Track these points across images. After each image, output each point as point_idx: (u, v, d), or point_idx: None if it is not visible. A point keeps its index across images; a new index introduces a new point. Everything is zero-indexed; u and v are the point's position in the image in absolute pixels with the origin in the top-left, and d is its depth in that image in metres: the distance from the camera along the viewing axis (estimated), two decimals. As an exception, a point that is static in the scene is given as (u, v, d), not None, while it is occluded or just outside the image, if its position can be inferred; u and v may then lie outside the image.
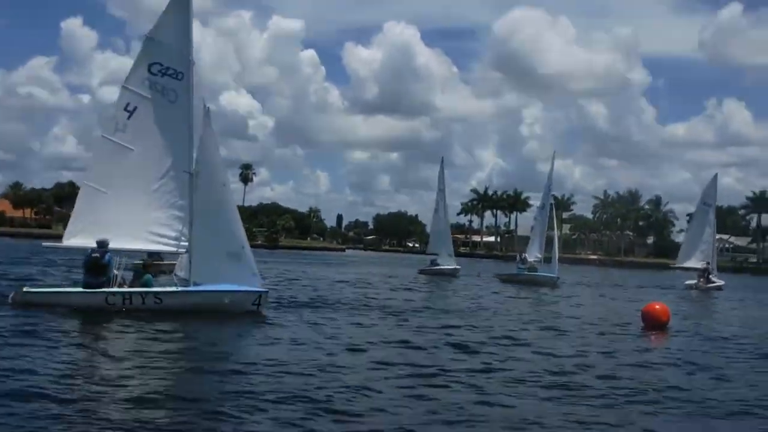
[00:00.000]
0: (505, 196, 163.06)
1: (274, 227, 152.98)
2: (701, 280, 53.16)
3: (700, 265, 55.31)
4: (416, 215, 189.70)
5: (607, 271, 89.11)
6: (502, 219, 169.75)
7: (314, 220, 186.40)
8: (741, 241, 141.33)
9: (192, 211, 21.93)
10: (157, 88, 22.15)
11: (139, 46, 22.78)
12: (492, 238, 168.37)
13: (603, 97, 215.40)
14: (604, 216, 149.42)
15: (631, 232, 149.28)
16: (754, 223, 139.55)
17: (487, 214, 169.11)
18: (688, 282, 53.64)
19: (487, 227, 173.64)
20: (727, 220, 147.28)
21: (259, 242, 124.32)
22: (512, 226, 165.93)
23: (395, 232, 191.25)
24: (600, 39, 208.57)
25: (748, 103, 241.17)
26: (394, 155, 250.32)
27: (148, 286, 21.21)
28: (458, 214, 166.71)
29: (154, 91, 22.15)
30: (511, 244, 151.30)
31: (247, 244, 22.85)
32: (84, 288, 20.63)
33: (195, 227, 21.95)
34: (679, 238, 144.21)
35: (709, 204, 58.56)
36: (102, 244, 20.64)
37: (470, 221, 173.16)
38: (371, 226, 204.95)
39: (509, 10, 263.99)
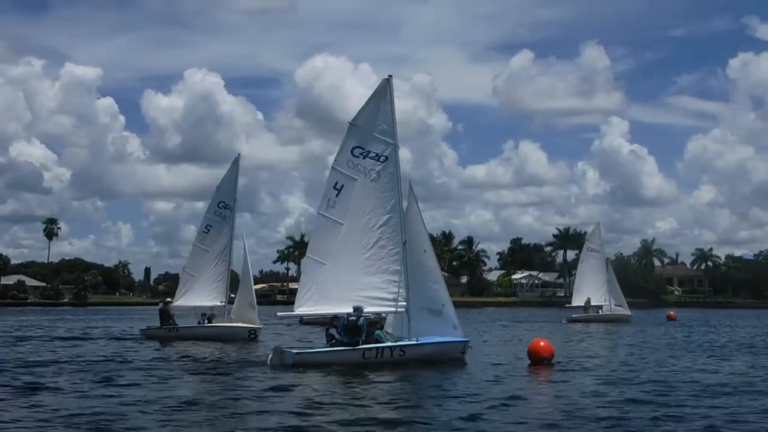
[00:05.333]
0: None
1: (82, 283, 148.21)
2: (588, 311, 59.85)
3: (583, 302, 61.27)
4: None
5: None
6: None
7: (123, 274, 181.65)
8: (549, 277, 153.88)
9: (407, 276, 25.07)
10: (360, 168, 25.24)
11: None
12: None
13: (406, 142, 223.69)
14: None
15: (446, 272, 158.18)
16: (560, 259, 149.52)
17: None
18: (572, 316, 59.86)
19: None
20: (535, 256, 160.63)
21: (66, 300, 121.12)
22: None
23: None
24: (400, 86, 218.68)
25: (542, 145, 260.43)
26: (200, 204, 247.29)
27: (379, 340, 24.20)
28: (274, 262, 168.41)
29: (357, 171, 25.23)
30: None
31: (448, 301, 25.74)
32: (343, 347, 23.62)
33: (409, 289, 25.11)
34: (490, 276, 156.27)
35: (596, 249, 63.12)
36: (357, 309, 23.80)
37: (287, 269, 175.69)
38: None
39: (311, 57, 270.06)
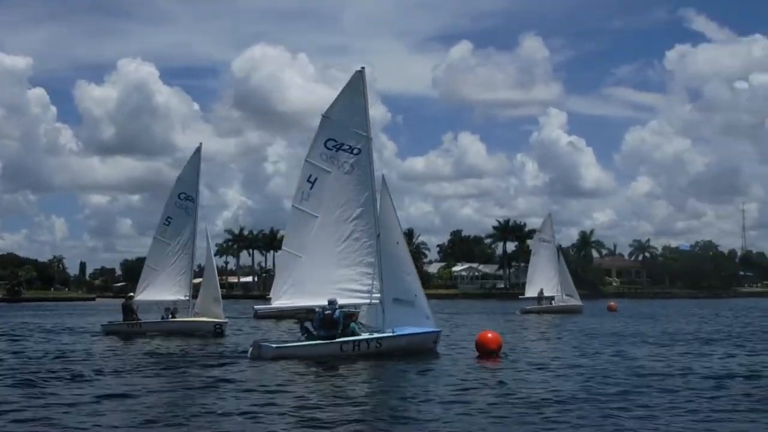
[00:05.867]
0: (260, 236, 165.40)
1: (16, 279, 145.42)
2: (541, 302, 60.90)
3: (536, 293, 62.22)
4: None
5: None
6: (258, 258, 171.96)
7: (58, 269, 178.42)
8: (489, 269, 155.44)
9: (381, 268, 25.21)
10: (333, 161, 25.32)
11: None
12: (249, 279, 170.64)
13: None
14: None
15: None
16: (500, 251, 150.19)
17: (243, 254, 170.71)
18: (525, 308, 60.54)
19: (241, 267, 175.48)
20: (475, 248, 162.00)
21: (0, 296, 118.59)
22: (269, 265, 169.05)
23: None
24: (339, 77, 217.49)
25: (482, 137, 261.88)
26: (136, 197, 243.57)
27: (354, 333, 24.33)
28: (213, 256, 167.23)
29: (331, 164, 25.31)
30: (268, 284, 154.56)
31: (420, 291, 25.94)
32: (320, 340, 23.69)
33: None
34: (431, 268, 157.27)
35: (547, 240, 64.30)
36: (332, 303, 23.90)
37: (226, 262, 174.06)
38: (119, 272, 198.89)
39: (248, 47, 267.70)
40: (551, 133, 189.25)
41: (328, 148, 25.35)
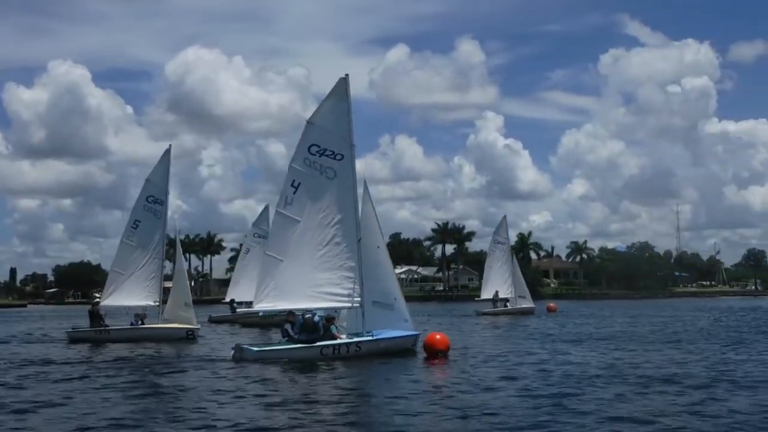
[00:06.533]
0: (197, 240, 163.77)
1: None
2: (496, 304, 61.69)
3: (491, 295, 62.87)
4: (99, 264, 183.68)
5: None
6: (195, 263, 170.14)
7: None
8: (428, 271, 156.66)
9: (361, 272, 25.57)
10: (316, 166, 25.67)
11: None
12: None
13: (281, 136, 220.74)
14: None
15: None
16: (438, 253, 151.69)
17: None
18: (480, 310, 61.25)
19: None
20: (414, 251, 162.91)
21: None
22: (206, 270, 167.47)
23: (78, 283, 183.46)
24: (275, 79, 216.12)
25: (419, 139, 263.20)
26: (67, 201, 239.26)
27: (332, 335, 24.70)
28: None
29: (313, 169, 25.66)
30: (206, 288, 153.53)
31: (399, 295, 26.57)
32: (301, 344, 24.14)
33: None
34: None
35: (502, 242, 64.86)
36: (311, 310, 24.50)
37: (162, 267, 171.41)
38: (51, 278, 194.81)
39: (183, 49, 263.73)
40: (488, 136, 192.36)
41: (311, 154, 25.71)
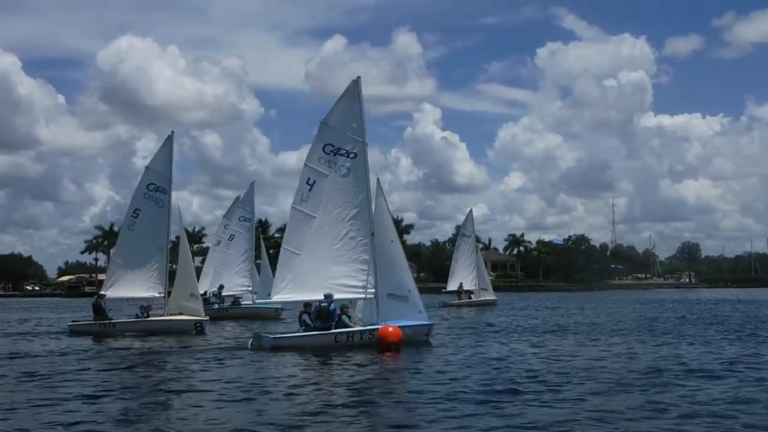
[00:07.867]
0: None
1: None
2: (461, 296, 63.12)
3: (456, 287, 64.12)
4: (30, 256, 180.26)
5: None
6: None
7: None
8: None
9: (375, 265, 26.90)
10: (331, 165, 26.91)
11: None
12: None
13: (216, 127, 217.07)
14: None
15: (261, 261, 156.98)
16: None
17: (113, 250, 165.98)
18: (445, 302, 61.48)
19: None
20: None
21: None
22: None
23: (9, 275, 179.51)
24: (210, 70, 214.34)
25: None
26: None
27: (345, 324, 25.89)
28: (82, 253, 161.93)
29: (328, 167, 26.90)
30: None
31: (413, 287, 27.53)
32: (317, 331, 25.45)
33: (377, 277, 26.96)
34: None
35: (468, 235, 65.87)
36: (328, 297, 25.68)
37: (96, 259, 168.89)
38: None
39: (115, 38, 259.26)
40: (425, 128, 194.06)
41: (326, 153, 26.93)
